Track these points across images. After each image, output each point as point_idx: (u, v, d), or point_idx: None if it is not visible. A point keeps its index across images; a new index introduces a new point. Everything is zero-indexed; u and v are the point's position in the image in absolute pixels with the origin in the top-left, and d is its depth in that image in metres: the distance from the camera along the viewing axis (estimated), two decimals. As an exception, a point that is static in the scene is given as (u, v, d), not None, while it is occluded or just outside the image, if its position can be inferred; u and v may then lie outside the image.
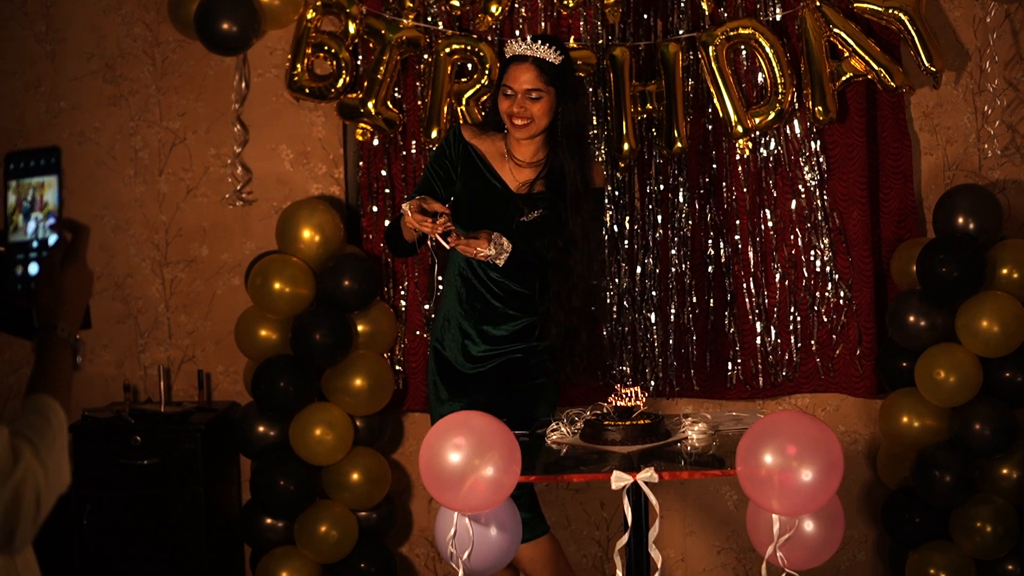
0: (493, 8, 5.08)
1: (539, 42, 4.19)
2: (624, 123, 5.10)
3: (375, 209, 5.30)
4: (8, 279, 2.05)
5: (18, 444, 1.90)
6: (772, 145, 5.20)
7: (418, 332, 5.31)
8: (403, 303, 5.32)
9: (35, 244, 2.05)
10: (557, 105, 4.21)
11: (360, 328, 5.17)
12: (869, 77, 5.07)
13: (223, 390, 5.48)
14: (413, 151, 5.25)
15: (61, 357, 2.03)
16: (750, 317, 5.27)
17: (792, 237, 5.24)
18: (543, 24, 5.18)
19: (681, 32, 5.15)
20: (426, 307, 5.29)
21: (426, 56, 5.18)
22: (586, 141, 4.38)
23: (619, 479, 3.39)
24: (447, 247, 4.09)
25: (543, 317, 4.28)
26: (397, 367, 5.34)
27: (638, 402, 3.80)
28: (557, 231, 4.20)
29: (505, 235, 4.15)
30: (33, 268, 2.05)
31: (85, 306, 2.10)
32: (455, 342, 4.35)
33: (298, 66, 5.18)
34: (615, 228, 5.26)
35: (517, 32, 5.17)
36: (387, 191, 5.28)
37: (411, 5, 5.14)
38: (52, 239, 2.05)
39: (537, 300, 4.28)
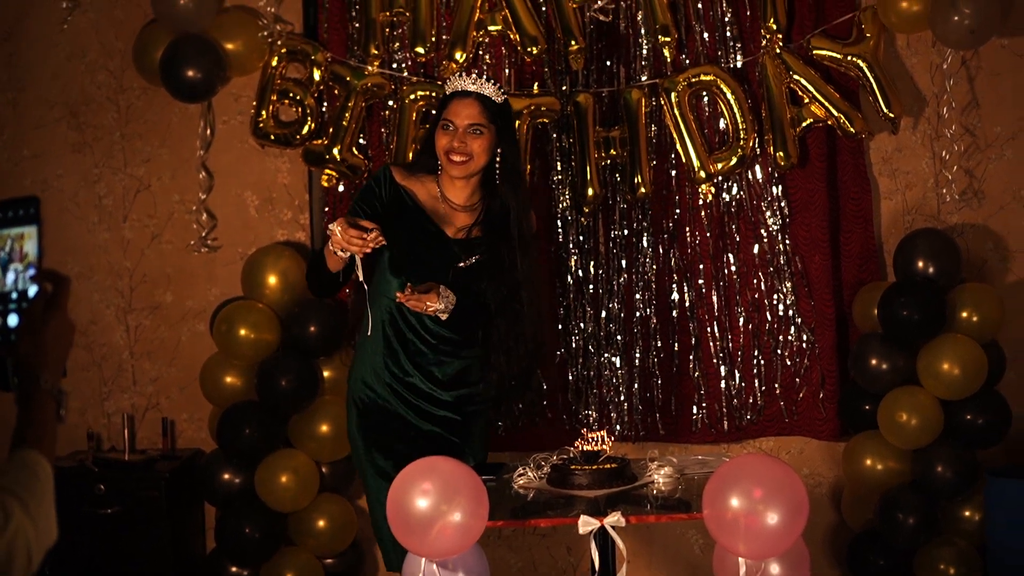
0: (457, 55, 5.12)
1: (483, 79, 4.14)
2: (588, 168, 5.14)
3: (340, 255, 5.30)
4: None
5: (7, 502, 1.89)
6: (734, 190, 5.25)
7: (384, 377, 5.30)
8: (368, 349, 5.32)
9: (14, 295, 2.04)
10: (498, 145, 4.11)
11: (326, 374, 5.17)
12: (829, 123, 5.14)
13: (188, 437, 5.46)
14: (378, 197, 5.26)
15: (45, 409, 2.02)
16: (714, 361, 5.30)
17: (755, 281, 5.28)
18: (507, 71, 5.22)
19: (644, 78, 5.20)
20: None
21: (391, 103, 5.21)
22: (525, 184, 4.29)
23: (586, 523, 3.40)
24: (400, 300, 3.95)
25: (483, 362, 4.19)
26: (363, 413, 5.33)
27: (604, 446, 3.81)
28: (500, 277, 4.10)
29: (442, 282, 4.02)
30: (12, 320, 2.03)
31: (66, 357, 2.09)
32: (396, 386, 4.17)
33: (263, 113, 5.20)
34: (579, 272, 5.29)
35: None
36: (352, 237, 5.28)
37: (376, 52, 5.17)
38: (32, 290, 2.04)
39: (477, 345, 4.18)
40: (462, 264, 4.06)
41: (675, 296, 5.28)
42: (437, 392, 4.16)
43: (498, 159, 4.12)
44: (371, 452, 4.16)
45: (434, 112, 4.35)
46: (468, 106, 4.08)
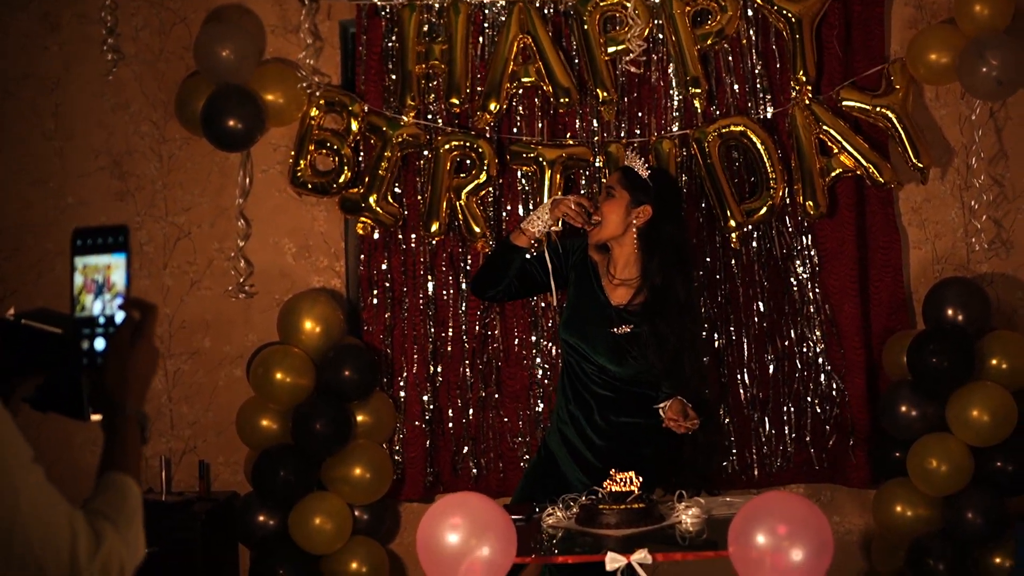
0: (491, 106, 5.22)
1: (643, 160, 4.42)
2: (619, 217, 5.21)
3: (375, 302, 5.39)
4: (73, 354, 2.06)
5: (100, 524, 1.96)
6: (764, 239, 5.31)
7: (417, 422, 5.37)
8: (402, 394, 5.39)
9: (102, 320, 2.07)
10: (638, 215, 4.32)
11: (360, 418, 5.23)
12: (858, 173, 5.20)
13: (223, 480, 5.54)
14: (413, 245, 5.36)
15: (131, 433, 2.08)
16: (745, 408, 5.34)
17: (785, 329, 5.32)
18: (540, 123, 5.31)
19: (675, 129, 5.29)
20: (424, 397, 5.37)
21: (426, 152, 5.31)
22: (686, 257, 4.46)
23: (613, 560, 3.44)
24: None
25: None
26: (396, 457, 5.39)
27: (632, 487, 3.86)
28: (658, 346, 4.28)
29: (597, 343, 4.31)
30: (99, 343, 2.07)
31: (150, 383, 2.14)
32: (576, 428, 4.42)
33: (301, 162, 5.31)
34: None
35: (515, 129, 5.31)
36: (387, 284, 5.38)
37: (411, 103, 5.27)
38: (119, 316, 2.07)
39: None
40: (615, 331, 4.32)
41: (706, 343, 5.33)
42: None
43: (640, 227, 4.34)
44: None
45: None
46: (611, 175, 4.49)
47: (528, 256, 4.50)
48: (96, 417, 2.08)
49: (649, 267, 4.33)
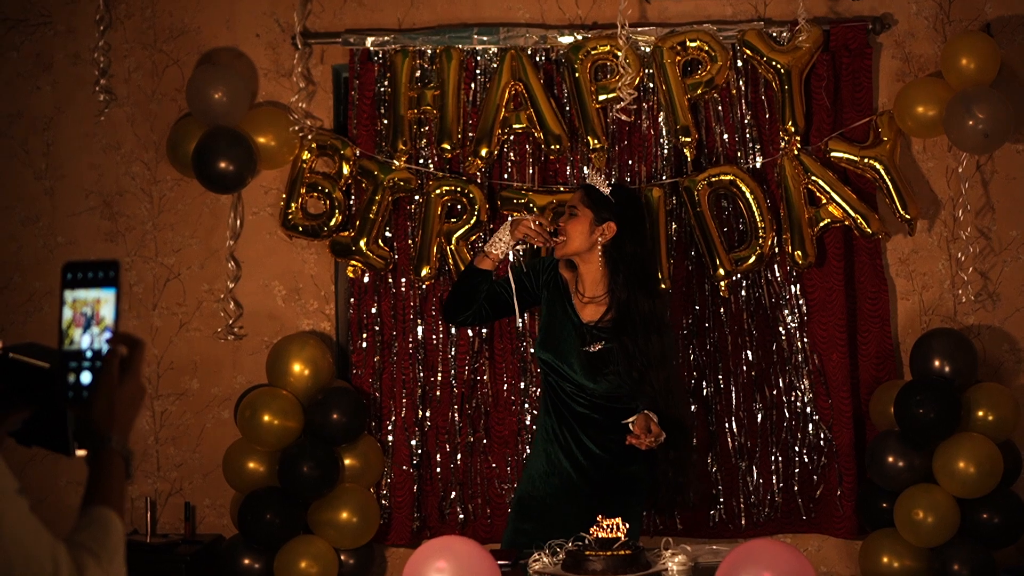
0: (483, 151, 5.25)
1: (603, 176, 4.50)
2: (608, 264, 5.23)
3: (364, 345, 5.40)
4: (60, 388, 2.06)
5: (82, 557, 1.96)
6: (753, 288, 5.33)
7: (404, 467, 5.37)
8: (390, 438, 5.39)
9: (89, 354, 2.07)
10: (602, 232, 4.32)
11: (347, 462, 5.23)
12: (846, 223, 5.23)
13: (209, 523, 5.51)
14: (403, 289, 5.37)
15: (115, 468, 2.08)
16: (732, 457, 5.34)
17: (773, 378, 5.33)
18: (530, 169, 5.34)
19: (664, 177, 5.31)
20: (412, 442, 5.36)
21: (417, 197, 5.33)
22: (650, 272, 4.48)
23: (599, 606, 3.43)
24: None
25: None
26: (383, 501, 5.38)
27: (619, 533, 3.85)
28: (628, 363, 4.29)
29: (572, 361, 4.32)
30: (86, 377, 2.06)
31: (135, 418, 2.14)
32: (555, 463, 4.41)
33: (292, 205, 5.33)
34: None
35: (505, 175, 5.34)
36: (376, 328, 5.39)
37: (403, 148, 5.30)
38: (107, 351, 2.07)
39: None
40: (588, 348, 4.32)
41: (693, 392, 5.34)
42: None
43: (604, 244, 4.34)
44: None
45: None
46: (574, 194, 4.47)
47: (497, 278, 4.49)
48: (81, 452, 2.08)
49: (615, 284, 4.35)
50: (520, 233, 4.35)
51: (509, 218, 4.45)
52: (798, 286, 5.32)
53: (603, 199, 4.37)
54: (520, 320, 4.62)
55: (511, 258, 4.43)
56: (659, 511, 5.15)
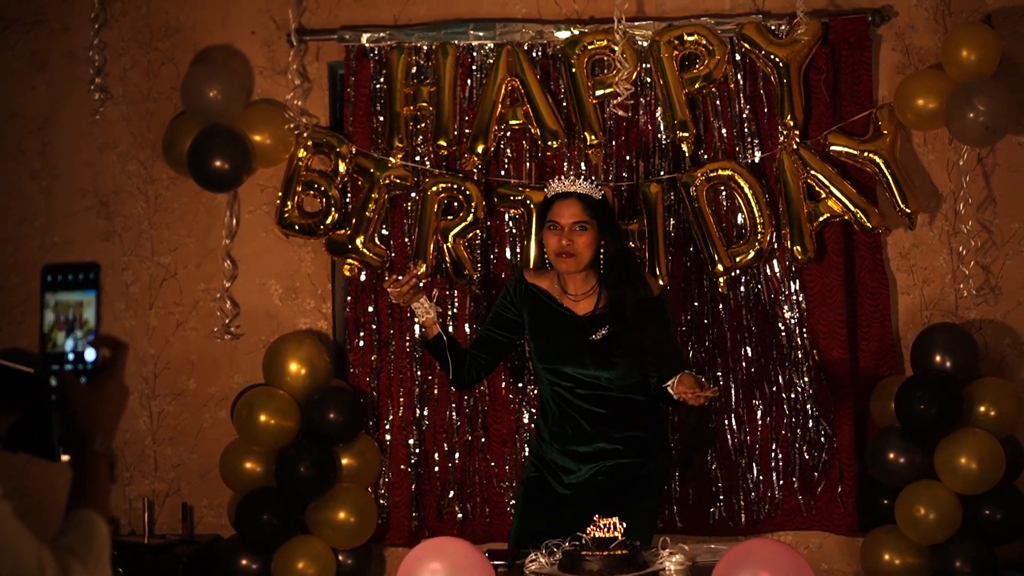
0: (479, 148, 5.21)
1: (580, 179, 4.40)
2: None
3: (361, 344, 5.37)
4: (44, 394, 2.05)
5: (67, 560, 1.95)
6: (752, 283, 5.29)
7: (402, 466, 5.34)
8: (387, 437, 5.36)
9: (71, 356, 2.06)
10: (601, 238, 4.34)
11: (345, 461, 5.20)
12: (846, 218, 5.19)
13: (207, 523, 5.49)
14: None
15: (99, 470, 2.07)
16: (732, 454, 5.31)
17: (773, 374, 5.30)
18: (527, 165, 5.31)
19: (662, 173, 5.28)
20: (410, 441, 5.34)
21: (413, 194, 5.30)
22: (633, 263, 4.50)
23: (595, 607, 3.40)
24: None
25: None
26: (381, 501, 5.35)
27: (616, 533, 3.82)
28: (631, 345, 4.30)
29: (581, 357, 4.31)
30: (90, 354, 2.06)
31: (119, 421, 2.12)
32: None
33: (288, 203, 5.30)
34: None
35: (502, 172, 5.30)
36: (373, 326, 5.36)
37: (399, 145, 5.27)
38: (89, 354, 2.07)
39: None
40: (595, 336, 4.32)
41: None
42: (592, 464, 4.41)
43: (602, 250, 4.36)
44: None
45: (536, 216, 4.73)
46: (570, 206, 4.35)
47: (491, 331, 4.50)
48: (65, 458, 2.07)
49: (606, 282, 4.36)
50: (409, 297, 4.29)
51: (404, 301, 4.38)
52: (798, 282, 5.28)
53: (598, 205, 4.36)
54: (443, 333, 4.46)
55: (434, 303, 4.33)
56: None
